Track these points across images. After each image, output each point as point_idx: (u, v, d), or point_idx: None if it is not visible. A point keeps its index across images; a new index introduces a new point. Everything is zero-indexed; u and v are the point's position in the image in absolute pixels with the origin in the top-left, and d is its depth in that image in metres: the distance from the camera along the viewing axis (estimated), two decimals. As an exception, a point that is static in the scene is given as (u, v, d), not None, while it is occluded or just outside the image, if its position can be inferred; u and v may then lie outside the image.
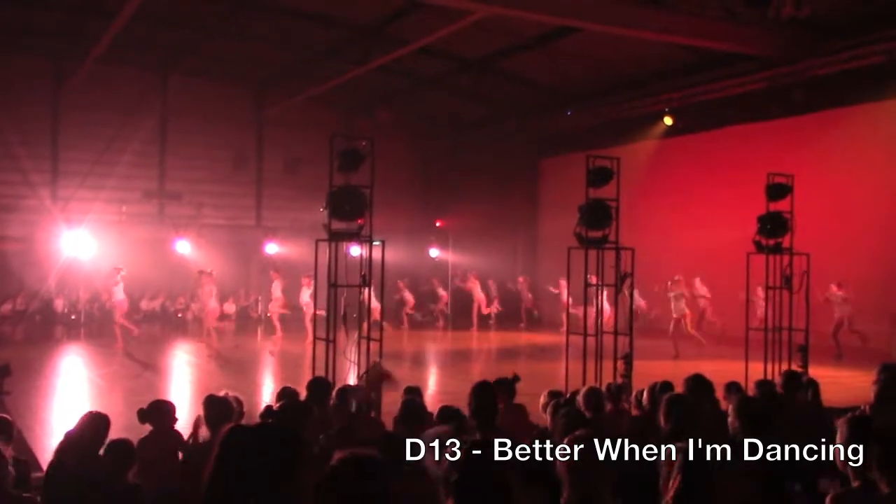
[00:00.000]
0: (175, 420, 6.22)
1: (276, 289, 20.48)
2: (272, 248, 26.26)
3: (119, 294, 18.56)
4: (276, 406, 5.89)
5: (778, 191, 12.10)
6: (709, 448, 3.98)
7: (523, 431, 6.39)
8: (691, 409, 5.51)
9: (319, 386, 6.97)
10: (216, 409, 5.65)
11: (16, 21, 21.63)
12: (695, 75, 20.03)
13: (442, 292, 25.81)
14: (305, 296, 19.51)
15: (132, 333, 18.72)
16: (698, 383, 6.54)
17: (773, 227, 11.96)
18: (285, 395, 6.67)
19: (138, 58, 24.22)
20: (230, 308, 24.76)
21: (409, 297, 24.57)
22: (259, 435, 2.84)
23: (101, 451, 5.06)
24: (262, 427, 2.89)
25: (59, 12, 20.85)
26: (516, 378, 7.39)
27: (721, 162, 20.98)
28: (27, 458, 6.27)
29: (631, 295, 10.78)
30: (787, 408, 6.66)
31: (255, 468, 2.72)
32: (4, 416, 6.42)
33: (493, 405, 6.19)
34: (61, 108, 25.02)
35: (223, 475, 2.74)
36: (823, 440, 4.57)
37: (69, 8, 20.45)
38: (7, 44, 22.90)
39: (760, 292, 14.39)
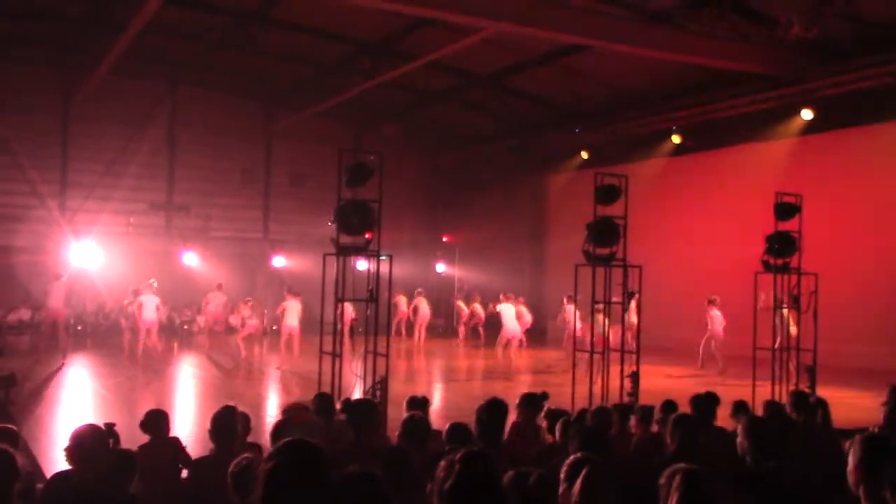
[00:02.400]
0: (168, 427, 6.27)
1: (292, 312, 18.32)
2: (279, 262, 26.32)
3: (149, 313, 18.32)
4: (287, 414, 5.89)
5: (786, 210, 12.08)
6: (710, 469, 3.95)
7: (529, 448, 6.36)
8: (696, 428, 5.48)
9: (325, 401, 6.96)
10: (221, 422, 5.63)
11: (25, 33, 21.79)
12: (703, 94, 20.05)
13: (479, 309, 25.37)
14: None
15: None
16: (705, 403, 6.51)
17: (782, 246, 11.94)
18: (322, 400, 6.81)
19: (147, 70, 24.35)
20: (236, 321, 24.68)
21: (425, 310, 24.19)
22: (309, 458, 2.83)
23: (104, 462, 5.04)
24: (310, 449, 2.87)
25: (69, 24, 20.98)
26: (545, 395, 7.38)
27: (729, 181, 20.97)
28: (32, 469, 6.25)
29: (639, 312, 10.74)
30: (797, 428, 6.61)
31: (306, 487, 2.72)
32: (10, 426, 6.42)
33: (500, 424, 6.18)
34: (70, 119, 25.14)
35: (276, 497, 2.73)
36: (834, 460, 4.53)
37: (79, 20, 20.58)
38: (16, 55, 23.04)
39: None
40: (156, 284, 18.73)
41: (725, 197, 21.09)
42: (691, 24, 16.20)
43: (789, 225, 12.03)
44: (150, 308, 18.25)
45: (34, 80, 24.06)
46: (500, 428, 6.05)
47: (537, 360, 19.76)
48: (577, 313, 18.30)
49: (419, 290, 23.99)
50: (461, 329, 24.72)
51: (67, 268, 20.29)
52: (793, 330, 12.66)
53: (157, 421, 6.18)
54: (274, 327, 22.86)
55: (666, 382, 15.48)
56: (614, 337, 12.02)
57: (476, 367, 20.00)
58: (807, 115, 18.42)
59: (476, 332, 24.44)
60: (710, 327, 17.98)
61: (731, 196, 20.85)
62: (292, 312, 18.00)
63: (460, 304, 24.99)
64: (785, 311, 12.58)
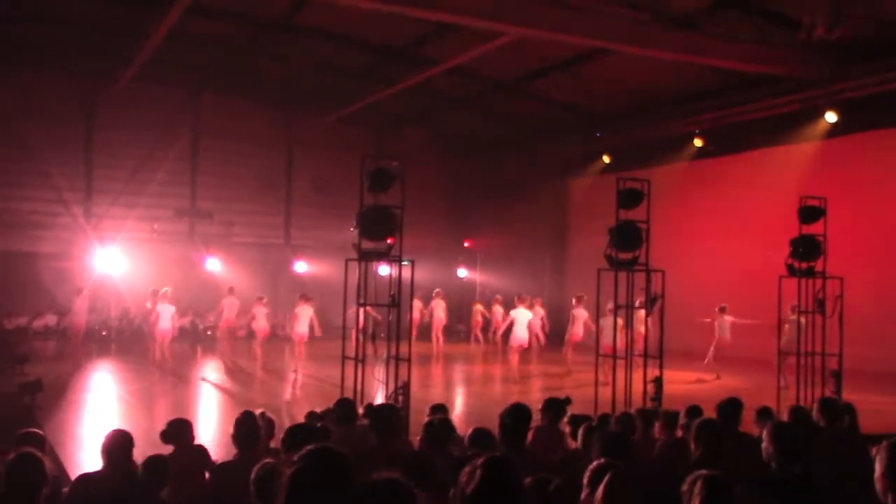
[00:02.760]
0: (193, 437, 6.25)
1: (304, 319, 18.04)
2: (301, 267, 26.43)
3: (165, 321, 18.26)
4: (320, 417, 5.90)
5: (811, 214, 11.99)
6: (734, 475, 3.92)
7: (553, 454, 6.33)
8: (721, 434, 5.43)
9: (346, 406, 6.97)
10: (244, 427, 5.65)
11: (51, 42, 22.01)
12: (725, 97, 19.95)
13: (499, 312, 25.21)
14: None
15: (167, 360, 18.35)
16: (730, 408, 6.46)
17: (806, 250, 11.85)
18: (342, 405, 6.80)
19: (171, 78, 24.54)
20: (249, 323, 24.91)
21: (441, 314, 24.05)
22: (332, 463, 2.84)
23: (139, 468, 5.07)
24: (334, 455, 2.88)
25: (94, 33, 21.18)
26: (567, 401, 7.35)
27: (753, 184, 20.82)
28: (58, 474, 6.30)
29: (661, 317, 10.67)
30: (824, 434, 6.55)
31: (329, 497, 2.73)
32: (36, 430, 6.49)
33: (524, 429, 6.17)
34: (95, 127, 25.37)
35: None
36: (861, 467, 4.48)
37: (103, 29, 20.77)
38: (42, 64, 23.30)
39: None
40: (170, 293, 18.68)
41: (749, 201, 20.94)
42: (713, 27, 16.12)
43: (814, 228, 11.93)
44: (166, 317, 18.26)
45: (59, 89, 24.32)
46: (524, 433, 6.05)
47: (557, 363, 19.68)
48: (585, 316, 18.31)
49: (437, 290, 23.84)
50: (478, 334, 24.69)
51: (90, 278, 20.36)
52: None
53: (180, 430, 6.18)
54: (280, 332, 22.95)
55: (689, 388, 15.40)
56: (622, 342, 11.89)
57: (493, 372, 19.98)
58: (831, 117, 18.26)
59: (492, 336, 24.42)
60: (717, 334, 17.92)
61: (754, 200, 20.70)
62: (303, 319, 17.86)
63: (479, 308, 24.92)
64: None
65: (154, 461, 5.01)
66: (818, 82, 17.62)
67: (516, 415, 5.73)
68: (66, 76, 24.20)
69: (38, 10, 19.81)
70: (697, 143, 21.49)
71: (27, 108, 23.39)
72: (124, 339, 23.84)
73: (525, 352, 18.71)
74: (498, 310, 24.05)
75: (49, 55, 22.87)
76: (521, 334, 17.87)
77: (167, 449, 5.97)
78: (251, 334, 20.15)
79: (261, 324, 19.30)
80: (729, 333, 17.80)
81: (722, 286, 19.77)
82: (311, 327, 17.87)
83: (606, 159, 24.28)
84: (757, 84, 18.80)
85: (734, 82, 19.20)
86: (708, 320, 18.14)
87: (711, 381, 17.18)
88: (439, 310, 23.39)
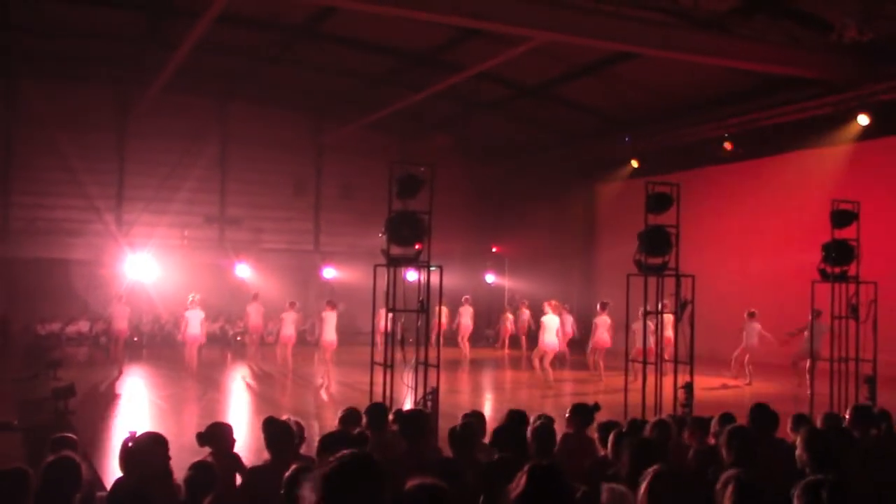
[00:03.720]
0: (233, 442, 6.25)
1: (330, 325, 17.86)
2: (330, 273, 26.55)
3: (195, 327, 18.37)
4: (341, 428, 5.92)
5: (843, 218, 11.85)
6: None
7: (581, 461, 6.30)
8: (754, 440, 5.38)
9: (378, 412, 6.98)
10: (276, 432, 5.68)
11: (83, 52, 22.34)
12: (755, 100, 19.75)
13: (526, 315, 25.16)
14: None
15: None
16: (763, 414, 6.39)
17: (839, 254, 11.70)
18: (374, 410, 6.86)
19: (200, 86, 24.79)
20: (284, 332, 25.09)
21: (468, 321, 24.04)
22: (366, 468, 2.85)
23: (186, 472, 5.10)
24: (367, 460, 2.90)
25: (125, 43, 21.46)
26: (596, 407, 7.32)
27: (784, 188, 20.62)
28: (92, 478, 6.38)
29: (691, 323, 10.57)
30: (858, 441, 6.45)
31: (364, 496, 2.74)
32: (71, 434, 6.56)
33: (551, 435, 6.17)
34: (126, 135, 25.69)
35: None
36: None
37: (134, 39, 21.04)
38: (75, 74, 23.66)
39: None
40: (198, 298, 18.74)
41: (780, 205, 20.74)
42: (742, 30, 15.99)
43: (846, 233, 11.79)
44: (195, 323, 18.37)
45: (92, 98, 24.68)
46: (551, 442, 6.05)
47: (585, 369, 19.60)
48: (608, 323, 18.28)
49: (466, 297, 23.83)
50: (506, 340, 24.67)
51: (126, 284, 20.53)
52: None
53: (219, 434, 6.19)
54: (309, 337, 22.99)
55: (719, 393, 15.28)
56: (652, 347, 11.82)
57: (519, 378, 19.92)
58: (863, 120, 18.02)
59: (518, 342, 24.43)
60: (745, 341, 17.75)
61: (785, 204, 20.50)
62: (329, 325, 17.78)
63: (508, 316, 24.89)
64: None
65: (199, 467, 5.02)
66: (850, 85, 17.39)
67: (542, 429, 5.75)
68: (98, 86, 24.56)
69: (71, 24, 20.09)
70: (727, 146, 21.26)
71: (60, 117, 23.75)
72: (156, 345, 24.08)
73: (555, 358, 18.62)
74: (525, 313, 24.07)
75: (82, 66, 23.22)
76: (550, 340, 17.78)
77: (200, 453, 6.00)
78: (280, 340, 20.19)
79: (288, 331, 19.20)
80: (757, 340, 17.61)
81: (753, 291, 19.60)
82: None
83: (635, 164, 24.15)
84: (787, 87, 18.61)
85: (764, 85, 19.02)
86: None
87: (742, 386, 17.04)
88: (466, 316, 23.38)
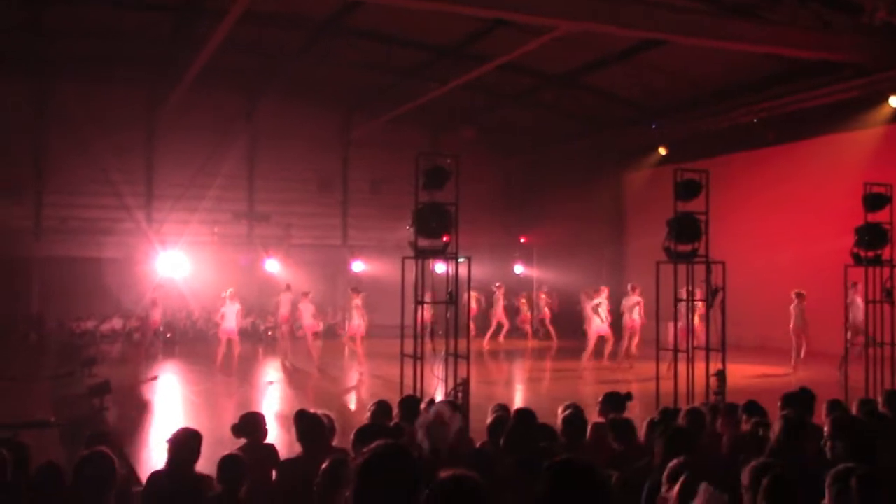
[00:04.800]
0: (266, 432, 6.31)
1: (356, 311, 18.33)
2: (358, 267, 26.67)
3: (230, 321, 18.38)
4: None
5: (875, 201, 11.67)
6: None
7: (611, 449, 6.28)
8: (795, 427, 5.31)
9: (410, 404, 6.99)
10: (308, 424, 5.71)
11: (112, 53, 22.56)
12: (785, 85, 19.54)
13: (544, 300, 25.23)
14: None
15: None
16: (800, 400, 6.33)
17: (872, 238, 11.53)
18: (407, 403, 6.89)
19: (227, 84, 24.93)
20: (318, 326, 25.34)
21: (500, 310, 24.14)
22: (399, 459, 2.87)
23: (200, 464, 5.16)
24: (401, 451, 2.92)
25: (152, 43, 21.64)
26: (629, 396, 7.29)
27: (815, 172, 20.37)
28: (127, 473, 6.45)
29: (723, 310, 10.49)
30: (891, 426, 6.37)
31: (396, 493, 2.75)
32: (106, 430, 6.65)
33: (581, 424, 6.16)
34: (155, 133, 25.96)
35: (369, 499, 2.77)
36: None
37: (161, 39, 21.21)
38: (104, 75, 23.90)
39: (859, 301, 13.59)
40: (232, 293, 18.81)
41: (811, 189, 20.49)
42: (771, 14, 15.80)
43: (879, 216, 11.62)
44: (231, 317, 18.48)
45: (121, 98, 24.96)
46: (582, 431, 6.04)
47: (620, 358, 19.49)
48: (639, 305, 18.06)
49: (497, 284, 23.88)
50: (527, 328, 24.88)
51: (161, 282, 20.56)
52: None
53: (253, 424, 6.25)
54: (339, 331, 23.11)
55: (752, 381, 15.13)
56: (683, 335, 11.73)
57: (550, 366, 19.88)
58: (894, 102, 17.75)
59: (539, 329, 24.46)
60: (793, 323, 17.40)
61: (816, 188, 20.25)
62: (356, 312, 18.02)
63: (523, 301, 24.97)
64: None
65: (230, 460, 5.07)
66: (880, 66, 17.13)
67: (571, 419, 5.72)
68: (127, 86, 24.81)
69: (100, 25, 20.33)
70: (757, 132, 21.03)
71: (91, 117, 24.06)
72: (188, 341, 24.29)
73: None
74: (543, 299, 24.12)
75: (111, 67, 23.45)
76: (598, 325, 17.87)
77: (234, 446, 6.05)
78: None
79: (307, 320, 19.42)
80: (805, 322, 17.12)
81: (785, 277, 19.34)
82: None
83: (663, 151, 23.97)
84: (817, 70, 18.37)
85: (793, 69, 18.80)
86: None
87: (784, 374, 16.68)
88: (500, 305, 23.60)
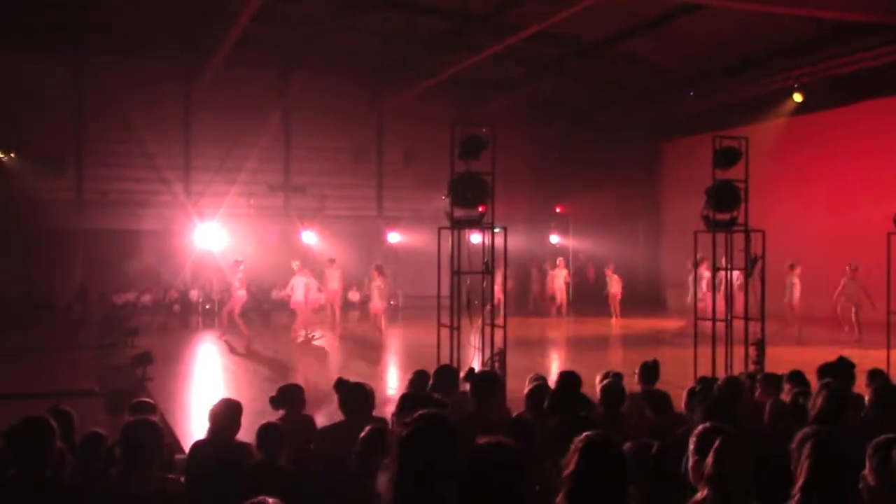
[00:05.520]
0: (304, 403, 6.38)
1: (376, 290, 18.60)
2: (394, 238, 26.76)
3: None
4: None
5: (921, 167, 11.44)
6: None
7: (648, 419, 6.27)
8: (839, 396, 5.25)
9: (447, 373, 7.03)
10: (349, 393, 5.77)
11: (148, 26, 22.69)
12: (825, 49, 19.10)
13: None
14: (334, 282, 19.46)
15: (242, 332, 18.11)
16: (840, 369, 6.26)
17: (917, 205, 11.31)
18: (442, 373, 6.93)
19: (261, 57, 24.96)
20: (354, 296, 25.54)
21: (537, 285, 24.25)
22: (443, 429, 2.90)
23: (250, 434, 5.23)
24: (443, 421, 2.96)
25: (187, 16, 21.74)
26: (656, 363, 7.26)
27: (857, 139, 20.00)
28: (170, 441, 6.57)
29: (762, 279, 10.37)
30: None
31: (438, 460, 2.79)
32: (149, 400, 6.77)
33: (620, 394, 6.16)
34: (192, 107, 26.14)
35: (410, 467, 2.80)
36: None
37: (195, 12, 21.28)
38: (140, 50, 24.06)
39: None
40: (297, 265, 19.01)
41: (852, 156, 20.13)
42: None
43: (924, 182, 11.39)
44: (300, 288, 18.49)
45: (158, 71, 25.11)
46: (619, 399, 6.03)
47: (657, 329, 19.42)
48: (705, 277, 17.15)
49: (560, 258, 24.20)
50: (543, 302, 24.73)
51: (238, 258, 20.22)
52: None
53: (291, 395, 6.33)
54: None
55: (790, 351, 15.00)
56: (721, 304, 11.60)
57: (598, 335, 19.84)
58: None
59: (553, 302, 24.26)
60: (847, 298, 17.01)
61: (858, 155, 19.90)
62: (377, 292, 18.28)
63: (534, 274, 25.00)
64: None
65: (269, 428, 5.14)
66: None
67: (610, 389, 5.72)
68: (163, 59, 24.94)
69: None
70: (797, 98, 20.60)
71: (129, 91, 24.34)
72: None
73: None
74: (557, 274, 23.88)
75: (147, 40, 23.60)
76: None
77: (273, 416, 6.13)
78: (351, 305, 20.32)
79: (332, 285, 19.56)
80: (865, 296, 16.53)
81: (827, 245, 19.12)
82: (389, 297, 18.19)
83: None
84: (857, 33, 17.94)
85: (834, 32, 18.38)
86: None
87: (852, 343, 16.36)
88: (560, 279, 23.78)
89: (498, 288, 20.80)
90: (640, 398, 6.79)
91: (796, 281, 17.40)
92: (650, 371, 7.11)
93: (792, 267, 17.46)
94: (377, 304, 18.28)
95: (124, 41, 23.55)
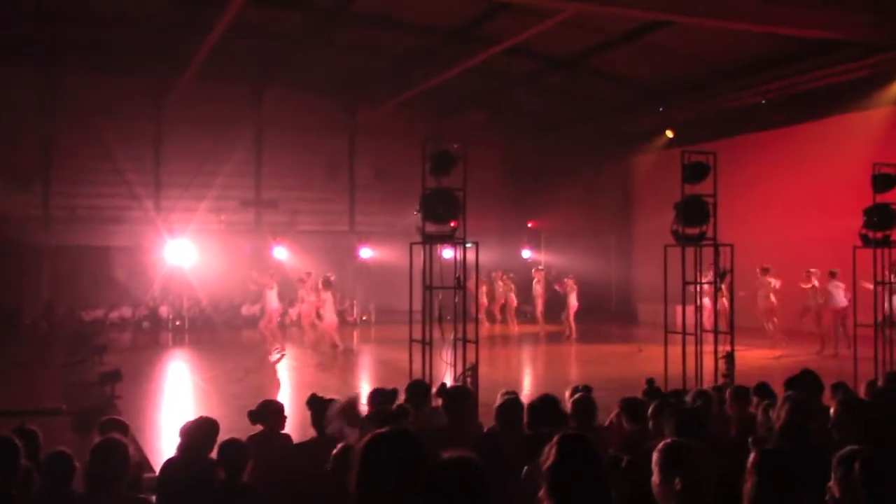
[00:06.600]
0: (283, 422, 6.33)
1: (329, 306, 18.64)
2: (366, 253, 26.71)
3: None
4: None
5: (884, 182, 11.62)
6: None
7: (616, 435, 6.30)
8: (802, 409, 5.31)
9: (418, 388, 7.02)
10: (320, 410, 5.75)
11: (118, 41, 22.55)
12: (793, 65, 19.41)
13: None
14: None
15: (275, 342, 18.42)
16: (806, 382, 6.32)
17: (881, 219, 11.48)
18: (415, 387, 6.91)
19: (234, 72, 24.89)
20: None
21: (512, 297, 24.22)
22: (402, 441, 2.91)
23: (214, 452, 5.19)
24: (403, 433, 2.96)
25: (158, 30, 21.62)
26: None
27: (824, 153, 20.27)
28: (139, 460, 6.49)
29: (731, 292, 10.48)
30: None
31: (398, 474, 2.79)
32: (119, 417, 6.69)
33: (591, 407, 6.17)
34: (163, 122, 25.98)
35: (371, 481, 2.80)
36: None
37: (167, 27, 21.18)
38: (112, 64, 23.90)
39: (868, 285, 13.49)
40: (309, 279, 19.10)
41: (820, 170, 20.40)
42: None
43: (888, 197, 11.56)
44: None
45: (128, 86, 24.92)
46: (591, 413, 6.05)
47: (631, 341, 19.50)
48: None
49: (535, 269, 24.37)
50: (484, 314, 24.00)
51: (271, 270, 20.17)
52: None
53: (271, 412, 6.25)
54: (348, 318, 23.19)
55: (762, 363, 15.15)
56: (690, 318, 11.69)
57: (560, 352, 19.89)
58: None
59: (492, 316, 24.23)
60: (831, 303, 16.93)
61: (825, 169, 20.16)
62: (328, 306, 18.28)
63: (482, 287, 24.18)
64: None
65: (230, 444, 5.11)
66: (891, 45, 17.00)
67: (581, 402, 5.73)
68: (134, 74, 24.79)
69: (106, 13, 20.31)
70: (764, 113, 20.90)
71: (98, 106, 24.11)
72: (196, 329, 24.37)
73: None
74: (501, 286, 23.94)
75: (118, 55, 23.45)
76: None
77: (245, 433, 6.07)
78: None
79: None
80: (845, 301, 16.23)
81: (794, 259, 19.30)
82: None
83: (670, 134, 23.86)
84: (825, 50, 18.25)
85: (801, 49, 18.67)
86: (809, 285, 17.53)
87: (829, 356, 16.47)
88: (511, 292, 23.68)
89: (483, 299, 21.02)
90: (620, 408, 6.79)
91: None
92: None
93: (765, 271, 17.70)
94: (329, 318, 18.16)
95: (94, 55, 23.38)
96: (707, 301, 14.31)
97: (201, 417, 5.56)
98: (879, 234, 11.55)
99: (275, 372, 16.59)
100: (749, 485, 3.44)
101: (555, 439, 3.07)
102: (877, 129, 18.58)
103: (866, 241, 11.66)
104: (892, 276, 12.12)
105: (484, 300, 23.78)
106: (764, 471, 3.41)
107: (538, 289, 23.61)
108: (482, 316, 23.25)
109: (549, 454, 3.03)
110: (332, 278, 19.18)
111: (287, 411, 6.28)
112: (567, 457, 2.99)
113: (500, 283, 24.56)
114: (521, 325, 23.84)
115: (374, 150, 28.60)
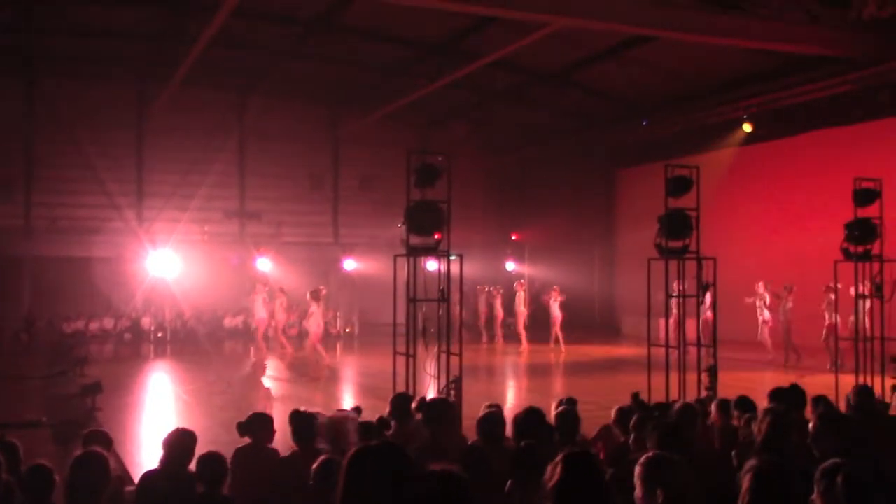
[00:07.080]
0: (273, 434, 6.27)
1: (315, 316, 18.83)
2: (350, 265, 26.64)
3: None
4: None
5: (865, 196, 11.70)
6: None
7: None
8: (782, 422, 5.33)
9: (402, 401, 6.99)
10: (302, 424, 5.71)
11: (102, 51, 22.49)
12: (775, 80, 19.59)
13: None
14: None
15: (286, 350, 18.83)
16: (789, 396, 6.35)
17: (862, 233, 11.56)
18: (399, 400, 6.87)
19: (218, 82, 24.88)
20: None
21: (499, 310, 24.16)
22: (387, 455, 2.90)
23: (193, 464, 5.15)
24: (388, 447, 2.95)
25: (142, 40, 21.57)
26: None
27: (805, 168, 20.46)
28: (120, 473, 6.43)
29: (714, 305, 10.52)
30: (882, 421, 6.40)
31: (383, 488, 2.77)
32: (101, 429, 6.63)
33: (575, 420, 6.17)
34: (145, 132, 25.89)
35: (357, 495, 2.79)
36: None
37: (151, 36, 21.14)
38: (94, 72, 23.83)
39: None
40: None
41: (801, 185, 20.57)
42: (760, 9, 15.83)
43: (869, 211, 11.65)
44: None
45: (111, 96, 24.87)
46: (575, 426, 6.05)
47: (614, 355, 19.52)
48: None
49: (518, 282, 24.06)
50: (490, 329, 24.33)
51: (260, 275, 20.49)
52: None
53: (260, 425, 6.20)
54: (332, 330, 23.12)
55: (743, 377, 15.19)
56: (674, 331, 11.73)
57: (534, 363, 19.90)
58: (884, 97, 17.82)
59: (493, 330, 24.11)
60: (827, 318, 16.50)
61: (807, 184, 20.33)
62: (315, 316, 18.44)
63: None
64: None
65: (209, 457, 5.07)
66: (870, 62, 17.19)
67: (566, 416, 5.74)
68: (117, 84, 24.75)
69: (89, 23, 20.22)
70: (747, 128, 21.06)
71: (80, 115, 24.03)
72: (179, 341, 24.23)
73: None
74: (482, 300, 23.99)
75: (101, 64, 23.40)
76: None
77: (227, 446, 6.03)
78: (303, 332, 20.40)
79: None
80: (837, 315, 15.72)
81: (776, 272, 19.43)
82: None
83: (654, 148, 23.79)
84: (807, 66, 18.44)
85: (783, 65, 18.86)
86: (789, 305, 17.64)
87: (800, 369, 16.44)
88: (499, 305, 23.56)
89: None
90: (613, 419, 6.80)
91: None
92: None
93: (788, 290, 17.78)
94: (314, 330, 18.25)
95: (77, 65, 23.33)
96: (709, 314, 14.31)
97: (178, 429, 5.52)
98: (860, 249, 11.63)
99: (261, 384, 16.51)
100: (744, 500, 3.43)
101: (559, 457, 3.08)
102: (858, 144, 18.76)
103: (848, 255, 11.73)
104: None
105: (500, 312, 23.89)
106: (762, 486, 3.41)
107: (519, 303, 23.42)
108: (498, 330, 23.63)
109: (554, 472, 3.05)
110: (324, 292, 19.23)
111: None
112: (573, 474, 3.01)
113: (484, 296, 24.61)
114: (505, 342, 23.71)
115: (358, 161, 28.62)
